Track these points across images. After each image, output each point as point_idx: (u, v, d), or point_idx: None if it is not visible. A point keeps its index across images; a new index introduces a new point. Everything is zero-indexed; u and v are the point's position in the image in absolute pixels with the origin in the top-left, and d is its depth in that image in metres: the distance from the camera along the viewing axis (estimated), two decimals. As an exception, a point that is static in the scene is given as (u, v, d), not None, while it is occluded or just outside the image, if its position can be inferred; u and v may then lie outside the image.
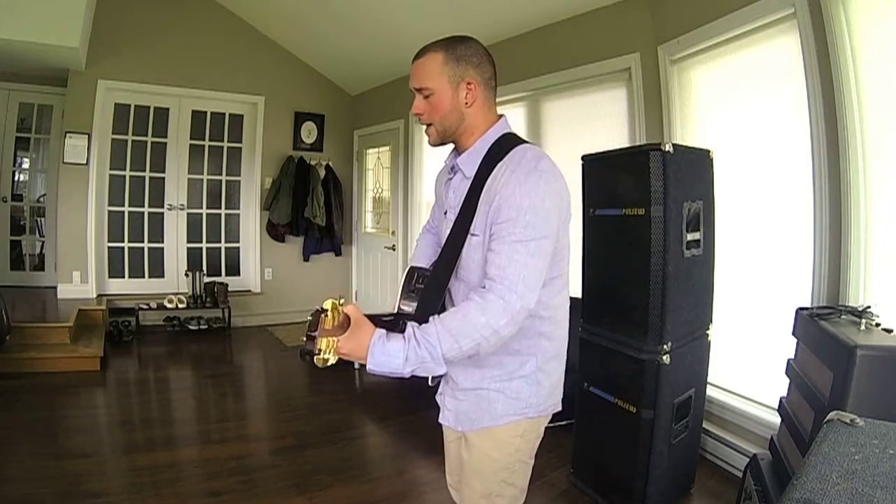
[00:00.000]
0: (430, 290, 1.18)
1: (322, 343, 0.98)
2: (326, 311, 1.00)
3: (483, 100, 1.17)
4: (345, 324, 1.03)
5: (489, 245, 1.08)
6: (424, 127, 1.20)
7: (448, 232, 1.19)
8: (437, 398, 1.33)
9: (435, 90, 1.13)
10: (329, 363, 1.00)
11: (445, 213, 1.25)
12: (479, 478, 1.23)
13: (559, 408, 1.26)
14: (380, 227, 5.76)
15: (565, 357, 1.26)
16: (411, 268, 1.33)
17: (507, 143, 1.15)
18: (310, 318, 0.99)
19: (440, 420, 1.31)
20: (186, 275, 5.07)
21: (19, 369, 3.47)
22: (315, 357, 0.98)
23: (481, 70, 1.15)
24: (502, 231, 1.05)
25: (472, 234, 1.13)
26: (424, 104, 1.15)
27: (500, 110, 1.23)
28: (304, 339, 0.98)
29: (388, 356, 0.99)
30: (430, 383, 1.22)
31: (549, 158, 1.12)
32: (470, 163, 1.17)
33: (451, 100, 1.13)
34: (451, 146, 1.25)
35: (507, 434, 1.19)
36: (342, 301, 1.03)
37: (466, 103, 1.14)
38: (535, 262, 1.05)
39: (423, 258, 1.37)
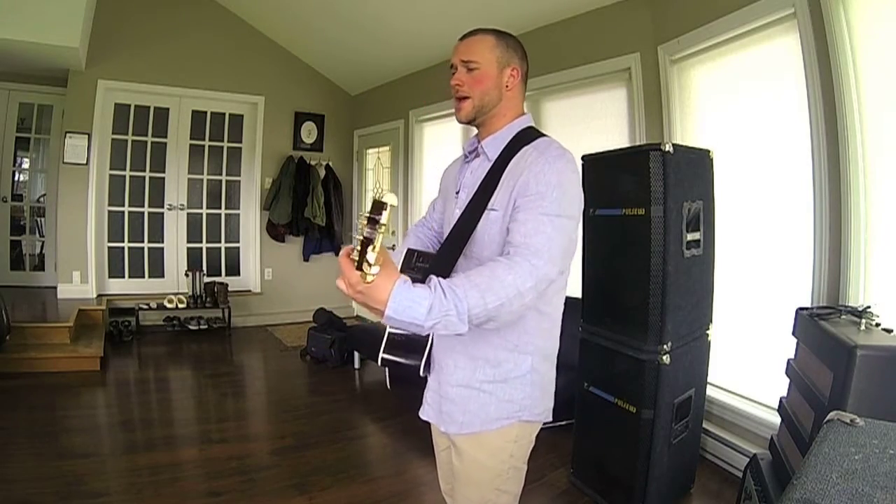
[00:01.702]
0: (436, 268, 1.15)
1: (378, 239, 0.83)
2: (386, 205, 0.83)
3: (518, 90, 1.22)
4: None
5: (513, 216, 1.08)
6: (456, 102, 1.21)
7: (460, 211, 1.19)
8: (425, 393, 1.30)
9: (482, 65, 1.16)
10: (368, 277, 0.84)
11: (457, 192, 1.25)
12: (473, 486, 1.21)
13: (549, 417, 1.24)
14: (380, 227, 5.75)
15: (555, 362, 1.26)
16: (410, 249, 1.29)
17: (532, 133, 1.19)
18: (368, 214, 0.83)
19: (420, 414, 1.29)
20: (186, 275, 5.07)
21: (19, 369, 3.47)
22: (368, 250, 0.83)
23: (522, 64, 1.22)
24: (529, 203, 1.06)
25: (492, 210, 1.13)
26: (467, 77, 1.17)
27: None
28: (365, 222, 0.83)
29: (412, 301, 0.88)
30: (420, 373, 1.19)
31: (571, 153, 1.14)
32: (494, 146, 1.20)
33: (496, 79, 1.18)
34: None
35: (499, 440, 1.17)
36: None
37: (507, 86, 1.19)
38: (559, 237, 1.04)
39: (419, 244, 1.36)
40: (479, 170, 1.21)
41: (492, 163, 1.18)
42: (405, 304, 0.89)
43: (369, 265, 0.84)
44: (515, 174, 1.11)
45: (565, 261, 1.13)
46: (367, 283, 0.86)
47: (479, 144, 1.23)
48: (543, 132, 1.22)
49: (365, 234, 0.83)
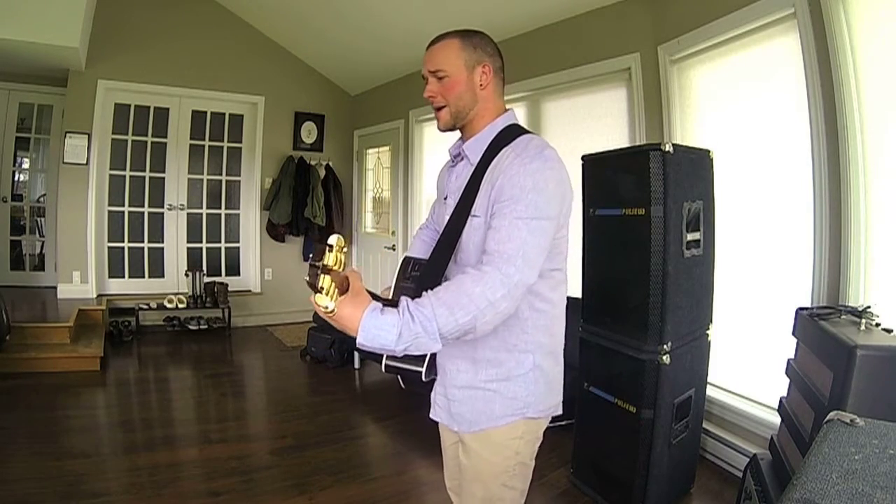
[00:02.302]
0: (427, 276, 1.17)
1: (325, 281, 0.89)
2: (331, 245, 0.89)
3: (494, 86, 1.20)
4: (343, 285, 0.95)
5: (490, 222, 1.07)
6: (435, 112, 1.21)
7: (447, 217, 1.19)
8: (432, 395, 1.31)
9: (450, 72, 1.15)
10: (327, 310, 0.90)
11: (446, 198, 1.25)
12: (479, 482, 1.22)
13: (559, 411, 1.25)
14: (380, 227, 5.76)
15: (562, 357, 1.25)
16: (406, 257, 1.30)
17: (514, 131, 1.17)
18: (315, 264, 0.91)
19: (431, 415, 1.30)
20: (186, 275, 5.07)
21: (19, 369, 3.47)
22: (316, 293, 0.89)
23: (494, 59, 1.20)
24: (504, 209, 1.05)
25: (473, 216, 1.12)
26: (438, 86, 1.17)
27: None
28: (309, 267, 0.90)
29: (380, 330, 0.91)
30: (423, 378, 1.19)
31: (554, 149, 1.12)
32: (476, 149, 1.19)
33: (467, 81, 1.16)
34: (453, 137, 1.26)
35: (505, 437, 1.18)
36: (345, 250, 0.94)
37: (481, 85, 1.17)
38: (535, 240, 1.03)
39: (419, 251, 1.37)
40: (462, 174, 1.21)
41: (474, 166, 1.17)
42: (374, 333, 0.92)
43: (323, 307, 0.90)
44: (493, 178, 1.10)
45: (555, 260, 1.13)
46: (330, 315, 0.91)
47: (462, 148, 1.22)
48: (526, 129, 1.20)
49: (308, 282, 0.90)
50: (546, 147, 1.11)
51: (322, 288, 0.89)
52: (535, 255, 1.03)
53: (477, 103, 1.18)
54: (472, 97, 1.17)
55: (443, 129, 1.22)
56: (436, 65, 1.16)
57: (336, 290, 0.91)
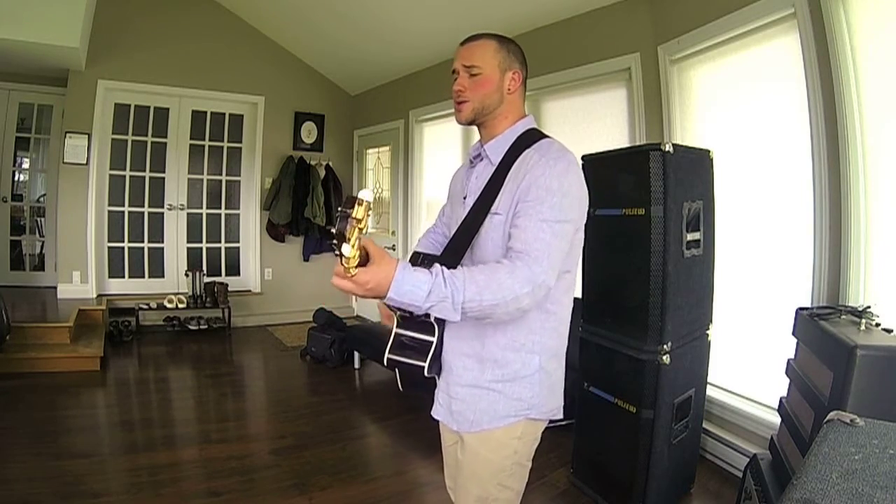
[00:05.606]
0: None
1: (353, 234, 0.85)
2: (362, 200, 0.85)
3: (519, 93, 1.24)
4: (363, 252, 0.94)
5: (514, 221, 1.10)
6: (455, 104, 1.22)
7: (465, 215, 1.20)
8: (436, 393, 1.31)
9: (484, 70, 1.18)
10: (350, 266, 0.88)
11: (465, 198, 1.27)
12: (475, 480, 1.22)
13: (560, 415, 1.25)
14: (380, 227, 5.76)
15: (564, 360, 1.26)
16: (415, 252, 1.31)
17: (534, 135, 1.20)
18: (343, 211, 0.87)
19: (432, 413, 1.31)
20: (186, 275, 5.07)
21: (19, 369, 3.47)
22: (343, 243, 0.86)
23: (522, 69, 1.24)
24: (529, 209, 1.07)
25: (495, 214, 1.15)
26: (469, 82, 1.19)
27: None
28: (337, 216, 0.87)
29: (412, 286, 0.95)
30: (426, 373, 1.20)
31: (573, 153, 1.15)
32: (497, 150, 1.21)
33: (498, 82, 1.19)
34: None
35: (504, 436, 1.18)
36: (370, 213, 0.89)
37: (509, 90, 1.20)
38: (557, 243, 1.06)
39: (428, 248, 1.39)
40: (483, 174, 1.23)
41: (495, 167, 1.19)
42: (406, 288, 0.95)
43: (346, 258, 0.87)
44: (517, 178, 1.13)
45: (568, 261, 1.15)
46: (352, 276, 0.90)
47: (483, 149, 1.24)
48: (546, 133, 1.22)
49: (336, 229, 0.87)
50: (567, 151, 1.15)
51: (349, 240, 0.86)
52: (557, 258, 1.07)
53: (502, 105, 1.21)
54: (499, 98, 1.20)
55: (462, 123, 1.24)
56: (471, 60, 1.18)
57: (358, 252, 0.88)
